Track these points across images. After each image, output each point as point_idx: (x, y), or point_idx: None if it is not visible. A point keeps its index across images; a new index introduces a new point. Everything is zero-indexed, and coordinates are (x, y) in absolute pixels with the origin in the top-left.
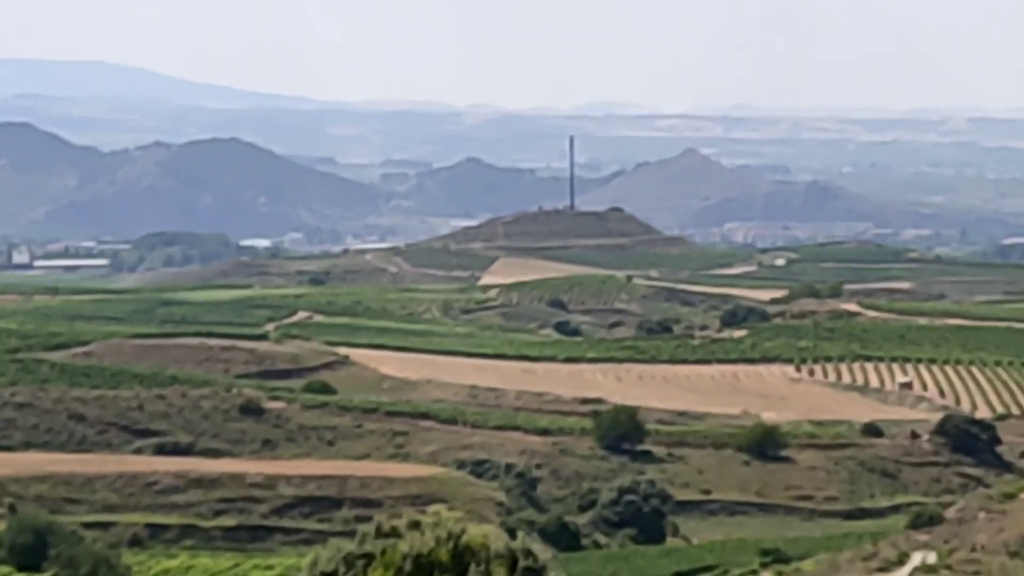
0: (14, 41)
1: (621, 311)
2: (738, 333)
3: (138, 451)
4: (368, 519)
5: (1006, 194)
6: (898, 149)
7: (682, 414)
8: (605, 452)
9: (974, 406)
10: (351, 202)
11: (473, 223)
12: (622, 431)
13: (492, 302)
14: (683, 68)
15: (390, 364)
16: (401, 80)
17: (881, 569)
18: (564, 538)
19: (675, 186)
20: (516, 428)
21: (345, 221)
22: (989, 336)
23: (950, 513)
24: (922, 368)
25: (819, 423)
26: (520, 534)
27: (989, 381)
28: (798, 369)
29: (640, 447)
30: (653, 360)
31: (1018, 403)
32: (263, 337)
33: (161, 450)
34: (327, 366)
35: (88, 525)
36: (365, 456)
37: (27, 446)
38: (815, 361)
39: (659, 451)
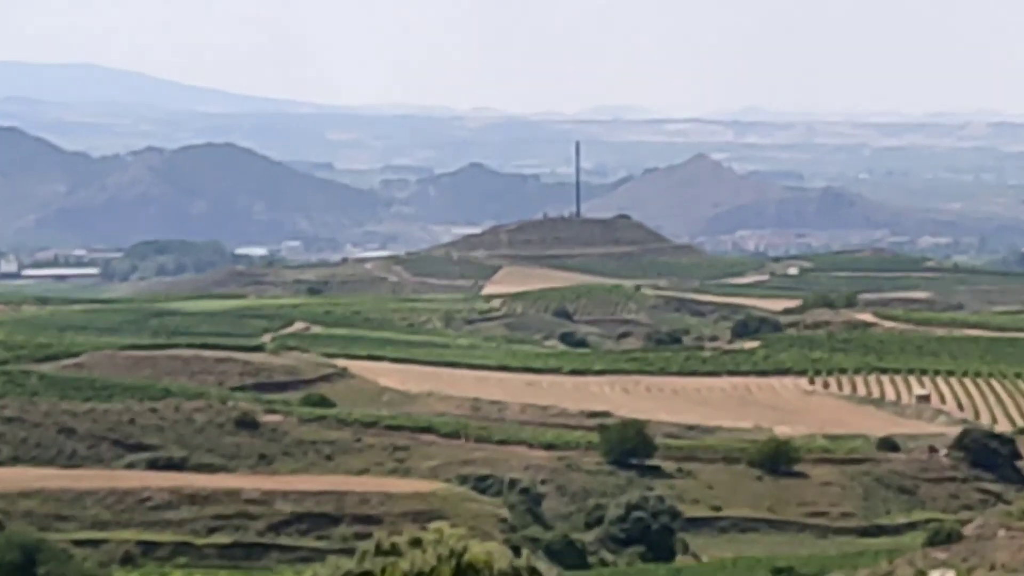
0: (2, 43)
1: (629, 321)
2: (750, 344)
3: (130, 466)
4: (368, 536)
5: None
6: (915, 154)
7: (692, 428)
8: (612, 467)
9: (994, 420)
10: (350, 209)
11: (476, 231)
12: (630, 445)
13: (495, 312)
14: (693, 71)
15: (390, 376)
16: (401, 83)
17: None
18: (570, 556)
19: (685, 193)
20: (520, 442)
21: (344, 229)
22: (1009, 347)
23: (969, 530)
24: (940, 380)
25: (833, 437)
26: (524, 552)
27: (1009, 394)
28: (812, 381)
29: (648, 462)
30: (662, 372)
31: None
32: (259, 348)
33: (154, 465)
34: (325, 378)
35: (78, 542)
36: (364, 471)
37: (16, 461)
38: (829, 373)
39: (668, 466)
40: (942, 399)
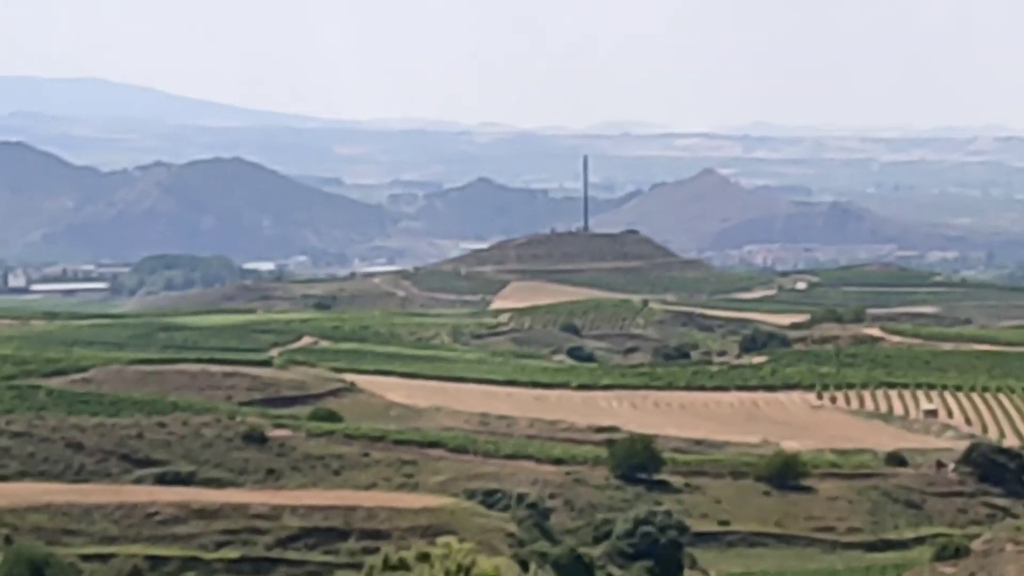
0: (10, 58)
1: (637, 336)
2: (757, 359)
3: (138, 481)
4: (375, 551)
5: None
6: (923, 169)
7: (700, 443)
8: (620, 482)
9: (1002, 434)
10: (358, 224)
11: (484, 245)
12: (638, 460)
13: (503, 327)
14: (701, 86)
15: (398, 391)
16: (410, 98)
17: None
18: (577, 571)
19: (693, 207)
20: (528, 457)
21: (352, 243)
22: (1017, 362)
23: (977, 545)
24: (948, 395)
25: (841, 452)
26: (532, 566)
27: (1017, 409)
28: (819, 396)
29: (656, 477)
30: (670, 387)
31: None
32: (267, 363)
33: (162, 480)
34: (333, 393)
35: (86, 557)
36: (372, 486)
37: (23, 475)
38: (837, 388)
39: (676, 481)
40: (950, 414)
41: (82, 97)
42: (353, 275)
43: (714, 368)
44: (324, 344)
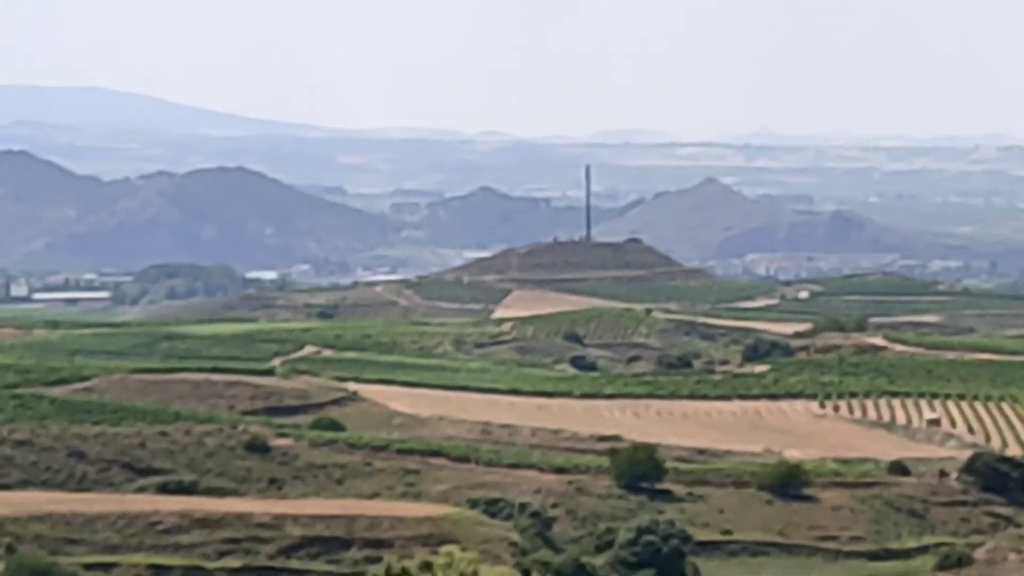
0: (12, 67)
1: (639, 345)
2: (760, 368)
3: (140, 490)
4: (378, 560)
5: None
6: (925, 178)
7: (702, 452)
8: (623, 491)
9: (1004, 443)
10: (361, 233)
11: (486, 254)
12: (640, 469)
13: (506, 336)
14: (704, 95)
15: (401, 400)
16: (411, 107)
17: None
18: None
19: (695, 216)
20: (531, 466)
21: (354, 252)
22: (1020, 371)
23: (980, 554)
24: (950, 404)
25: (844, 461)
26: (535, 575)
27: (1020, 418)
28: (822, 405)
29: (659, 486)
30: (672, 396)
31: None
32: (269, 372)
33: (164, 489)
34: (335, 402)
35: (89, 566)
36: (375, 495)
37: (26, 484)
38: (840, 397)
39: (678, 490)
40: (953, 423)
41: (85, 106)
42: (356, 284)
43: (717, 377)
44: (327, 353)
